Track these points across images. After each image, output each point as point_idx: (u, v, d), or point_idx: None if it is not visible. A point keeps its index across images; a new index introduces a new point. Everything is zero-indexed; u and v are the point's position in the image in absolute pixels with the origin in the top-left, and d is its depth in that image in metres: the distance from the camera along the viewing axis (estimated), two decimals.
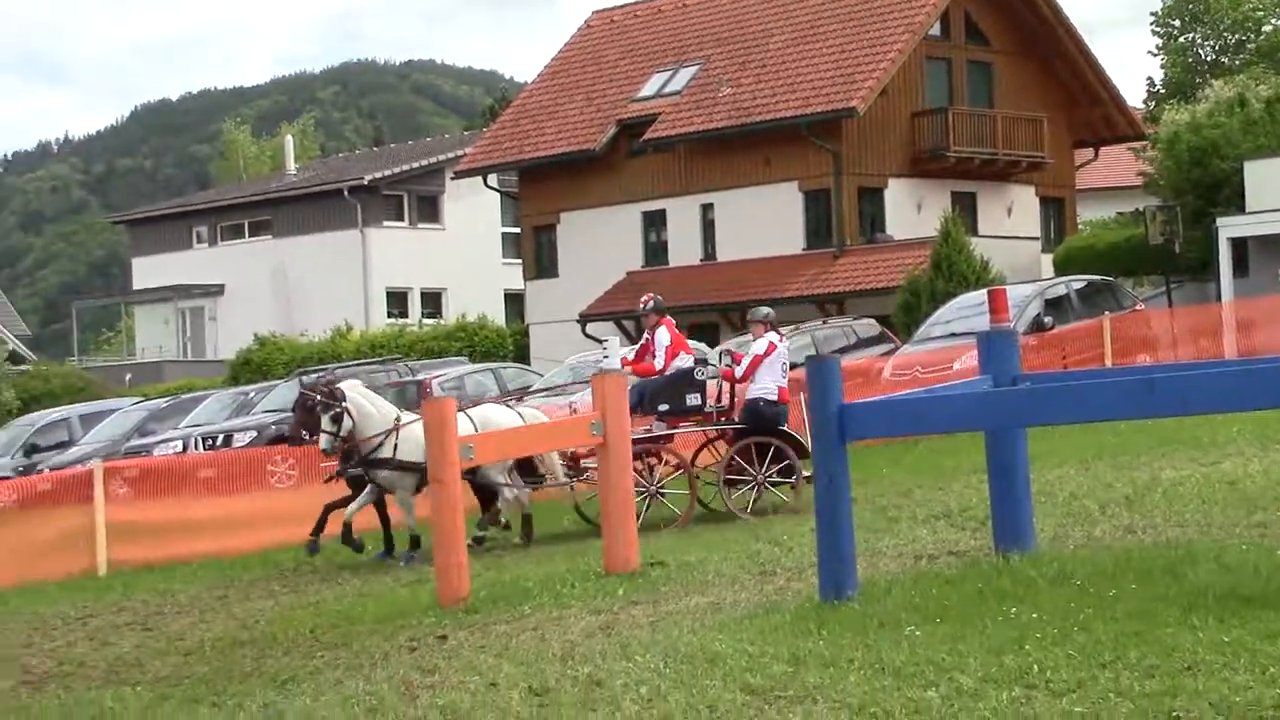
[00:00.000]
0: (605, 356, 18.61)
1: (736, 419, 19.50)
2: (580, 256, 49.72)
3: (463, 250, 62.03)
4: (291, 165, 74.14)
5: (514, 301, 58.98)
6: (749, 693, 9.10)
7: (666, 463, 19.63)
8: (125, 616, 16.76)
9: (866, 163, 45.04)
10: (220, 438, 32.86)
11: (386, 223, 62.34)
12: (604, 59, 52.47)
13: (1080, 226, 50.49)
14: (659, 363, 19.48)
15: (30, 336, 78.58)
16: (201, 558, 21.66)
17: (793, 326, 32.31)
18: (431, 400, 15.32)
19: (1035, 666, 8.78)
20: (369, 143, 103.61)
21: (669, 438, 19.54)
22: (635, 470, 18.07)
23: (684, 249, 47.99)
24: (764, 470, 19.09)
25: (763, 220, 45.52)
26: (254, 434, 32.69)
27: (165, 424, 36.14)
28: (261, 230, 65.76)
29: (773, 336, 19.63)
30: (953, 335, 27.83)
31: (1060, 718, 8.00)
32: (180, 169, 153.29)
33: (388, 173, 62.68)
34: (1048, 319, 28.71)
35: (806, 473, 18.10)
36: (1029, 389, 12.34)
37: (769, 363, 19.38)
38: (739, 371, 19.58)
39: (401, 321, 57.69)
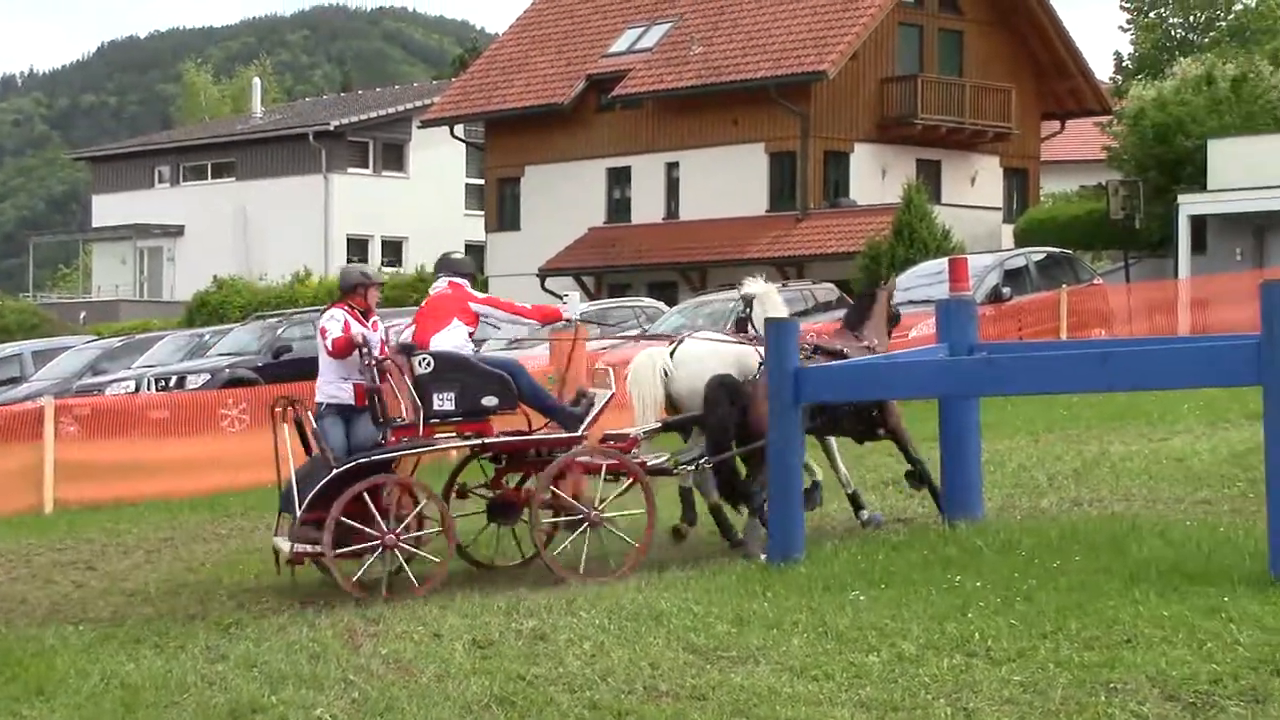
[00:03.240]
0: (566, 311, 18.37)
1: None
2: (543, 210, 49.58)
3: (426, 200, 61.74)
4: (258, 108, 73.70)
5: (475, 253, 58.74)
6: (692, 651, 9.15)
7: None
8: (69, 555, 16.65)
9: (834, 127, 44.98)
10: (174, 379, 32.70)
11: (351, 169, 62.05)
12: (576, 13, 52.22)
13: (1043, 198, 50.54)
14: None
15: None
16: (149, 499, 21.53)
17: None
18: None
19: (977, 634, 8.84)
20: (337, 88, 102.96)
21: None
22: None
23: (647, 207, 47.88)
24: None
25: (727, 181, 45.44)
26: (208, 377, 32.53)
27: (119, 363, 35.87)
28: (224, 172, 65.38)
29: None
30: (911, 303, 27.84)
31: (999, 685, 8.06)
32: (145, 107, 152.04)
33: (354, 119, 62.36)
34: (1006, 290, 28.74)
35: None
36: (988, 359, 12.39)
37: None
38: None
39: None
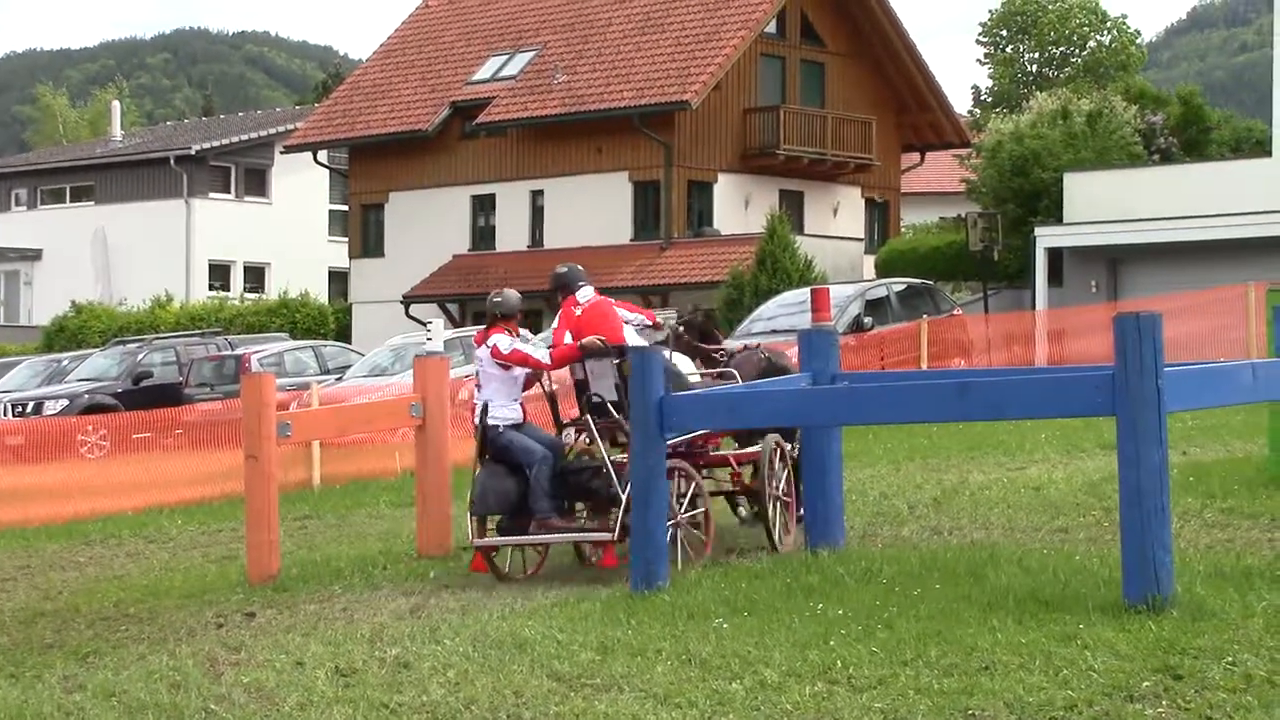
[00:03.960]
0: (429, 339, 18.42)
1: None
2: (407, 237, 49.42)
3: (288, 226, 61.32)
4: (117, 131, 72.82)
5: (338, 280, 58.49)
6: (556, 679, 9.16)
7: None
8: None
9: (697, 156, 45.27)
10: (31, 405, 32.26)
11: (212, 194, 61.48)
12: (441, 39, 52.21)
13: (903, 229, 51.21)
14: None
15: None
16: (4, 527, 21.21)
17: None
18: (251, 375, 15.16)
19: (839, 662, 8.92)
20: (199, 112, 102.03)
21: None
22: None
23: (512, 234, 47.88)
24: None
25: (592, 209, 45.58)
26: (66, 403, 32.13)
27: None
28: (83, 196, 64.53)
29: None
30: (774, 332, 28.08)
31: (860, 713, 8.14)
32: (1, 130, 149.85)
33: (216, 144, 61.81)
34: (868, 319, 29.07)
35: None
36: (848, 388, 12.53)
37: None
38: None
39: (223, 295, 56.97)
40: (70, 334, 50.04)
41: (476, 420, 13.66)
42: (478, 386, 13.82)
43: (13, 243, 64.64)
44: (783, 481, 13.83)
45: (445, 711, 8.71)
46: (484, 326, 14.03)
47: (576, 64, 47.24)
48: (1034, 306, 36.39)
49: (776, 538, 13.35)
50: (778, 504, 13.65)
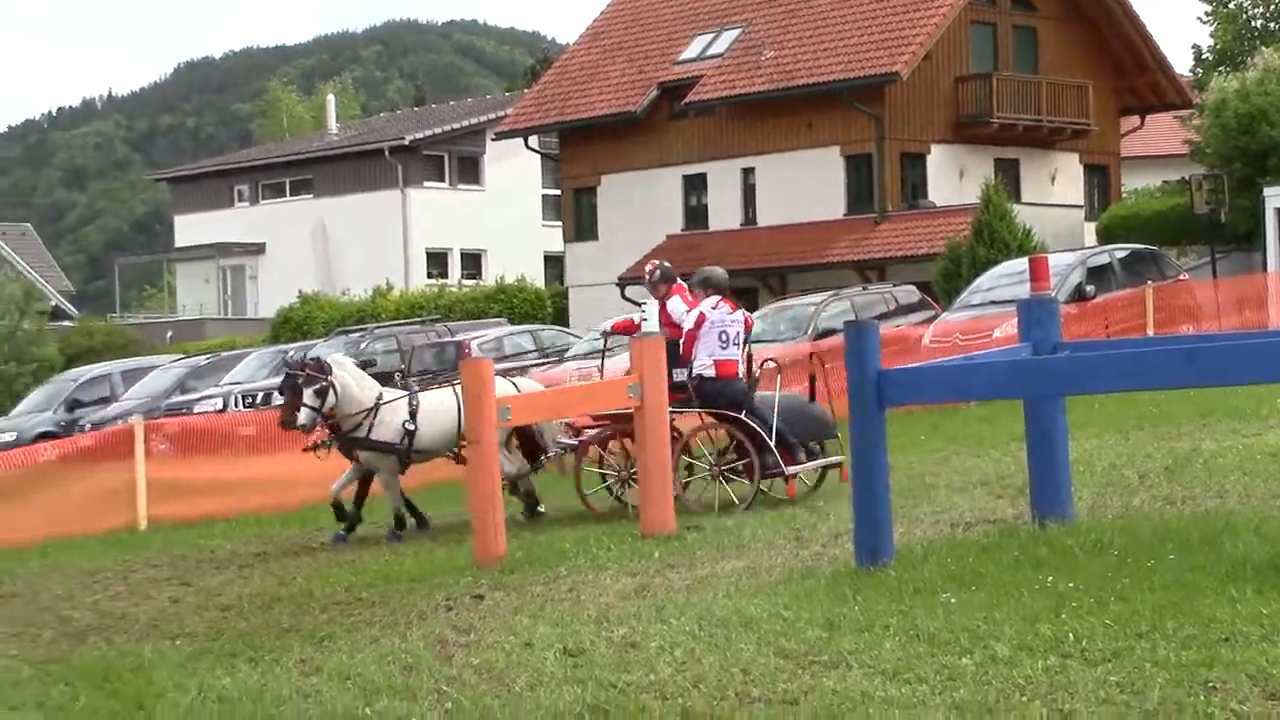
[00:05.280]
0: (644, 320, 18.45)
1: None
2: (620, 219, 49.66)
3: (503, 212, 62.03)
4: (333, 125, 74.21)
5: (553, 264, 59.00)
6: (783, 656, 9.12)
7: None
8: (165, 571, 16.85)
9: (909, 128, 44.84)
10: (260, 395, 32.98)
11: (427, 183, 62.40)
12: (646, 21, 52.31)
13: (1124, 195, 50.19)
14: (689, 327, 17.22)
15: (73, 293, 78.99)
16: (240, 515, 21.75)
17: (832, 292, 32.26)
18: (470, 361, 15.35)
19: (1071, 635, 8.76)
20: (410, 103, 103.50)
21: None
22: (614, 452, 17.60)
23: (724, 213, 47.87)
24: (721, 461, 16.81)
25: (804, 185, 45.39)
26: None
27: (205, 381, 36.29)
28: (302, 189, 65.89)
29: (706, 304, 17.41)
30: (993, 303, 27.73)
31: (1095, 687, 7.98)
32: (223, 127, 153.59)
33: (429, 133, 62.71)
34: (1089, 288, 28.56)
35: (795, 468, 16.51)
36: (1068, 357, 12.29)
37: (702, 335, 17.12)
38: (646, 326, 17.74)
39: (441, 282, 57.76)
40: (295, 325, 51.10)
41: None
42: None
43: (237, 238, 66.22)
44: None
45: (673, 690, 8.70)
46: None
47: (783, 39, 47.03)
48: (1265, 269, 35.43)
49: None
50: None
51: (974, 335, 26.06)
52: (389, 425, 17.54)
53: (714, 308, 17.28)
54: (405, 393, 17.95)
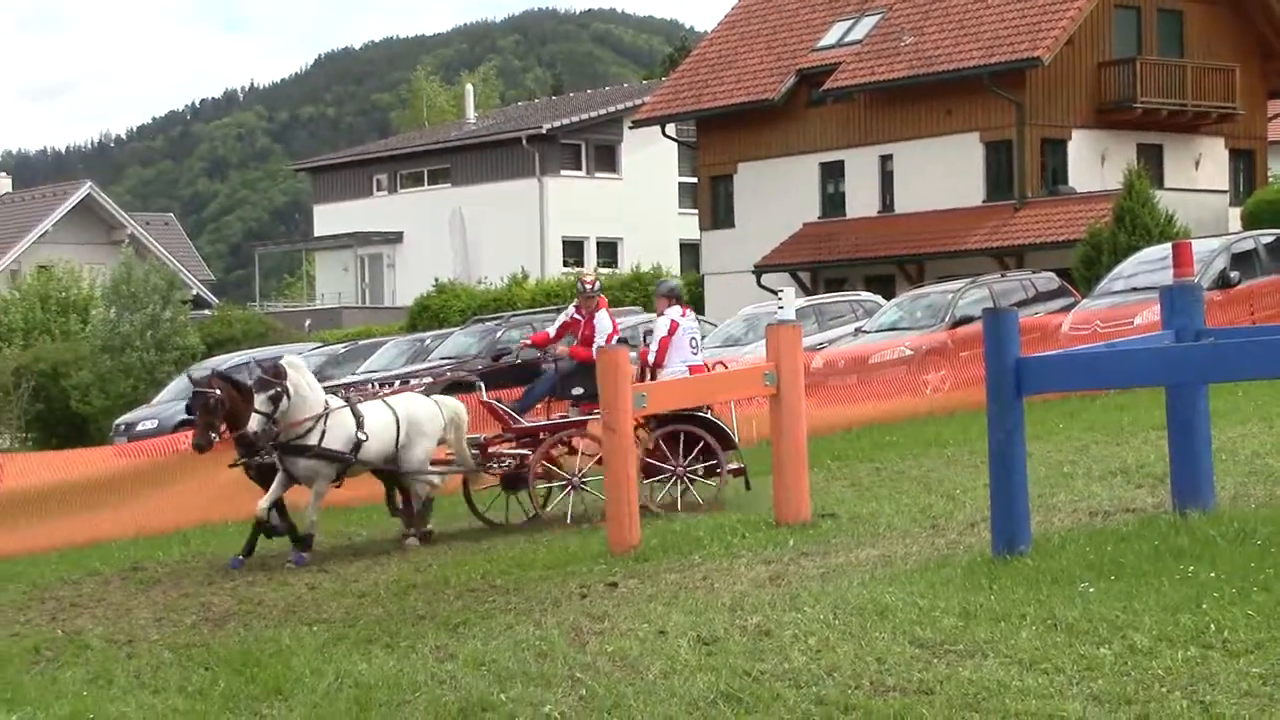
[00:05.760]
0: (780, 308, 18.48)
1: None
2: (757, 207, 49.55)
3: (639, 200, 62.12)
4: (471, 114, 74.68)
5: (689, 251, 59.00)
6: (918, 645, 9.08)
7: (583, 453, 17.64)
8: None
9: (1050, 113, 44.32)
10: (396, 384, 33.25)
11: (564, 172, 62.61)
12: (784, 8, 52.09)
13: (1271, 179, 49.27)
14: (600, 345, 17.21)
15: (214, 282, 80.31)
16: (377, 502, 21.91)
17: (970, 279, 32.00)
18: (605, 348, 15.35)
19: (1212, 626, 8.64)
20: (548, 92, 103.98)
21: (583, 424, 17.65)
22: (549, 459, 17.44)
23: (861, 200, 47.62)
24: (685, 462, 17.14)
25: (942, 172, 45.03)
26: (429, 380, 33.05)
27: (343, 369, 36.64)
28: (440, 178, 66.36)
29: (674, 313, 17.86)
30: (1134, 290, 27.36)
31: (1237, 678, 7.86)
32: (362, 117, 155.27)
33: (566, 122, 62.89)
34: (1234, 274, 28.07)
35: (733, 465, 17.40)
36: (1211, 344, 12.10)
37: (675, 342, 17.65)
38: (651, 356, 17.86)
39: (577, 270, 57.98)
40: (432, 314, 51.47)
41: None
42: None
43: (375, 227, 66.84)
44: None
45: (808, 678, 8.70)
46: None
47: (923, 24, 46.66)
48: None
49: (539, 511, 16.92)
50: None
51: (1114, 323, 25.71)
52: (338, 434, 16.74)
53: (682, 315, 17.98)
54: (344, 401, 17.22)
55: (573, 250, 62.34)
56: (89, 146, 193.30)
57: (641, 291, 49.32)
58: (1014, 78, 43.65)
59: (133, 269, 47.71)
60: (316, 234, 71.85)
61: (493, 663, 9.90)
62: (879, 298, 35.84)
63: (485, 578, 13.75)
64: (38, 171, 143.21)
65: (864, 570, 11.62)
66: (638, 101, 59.58)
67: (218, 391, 16.69)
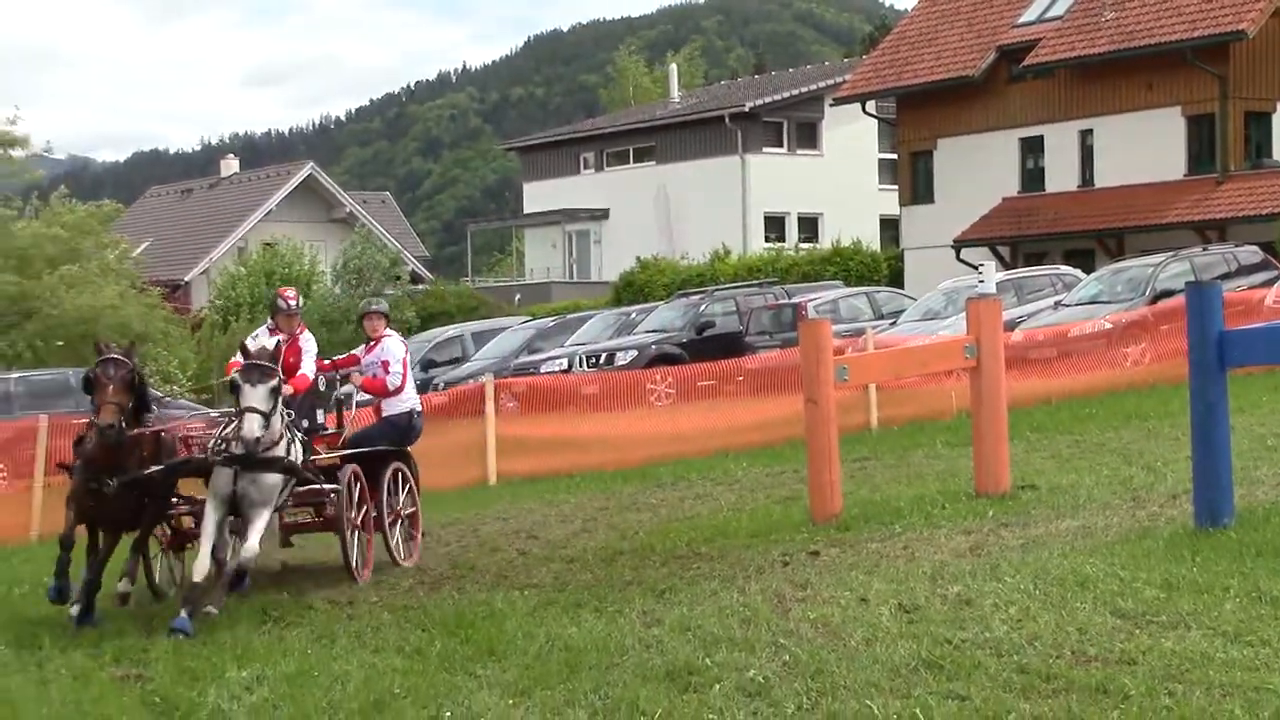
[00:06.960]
0: (981, 281, 18.42)
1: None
2: (956, 182, 49.22)
3: (840, 176, 61.98)
4: (675, 93, 74.94)
5: (889, 226, 58.76)
6: (1119, 616, 9.10)
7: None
8: (513, 525, 17.45)
9: (1254, 86, 43.43)
10: (603, 356, 33.67)
11: (766, 149, 62.63)
12: None
13: None
14: (309, 372, 14.58)
15: (428, 258, 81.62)
16: (584, 471, 22.28)
17: (1171, 253, 31.62)
18: (808, 322, 15.52)
19: None
20: (750, 71, 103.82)
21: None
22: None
23: (1061, 175, 47.09)
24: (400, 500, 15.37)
25: (1142, 146, 44.35)
26: (634, 353, 33.42)
27: (552, 343, 37.16)
28: (645, 156, 66.71)
29: (398, 339, 15.82)
30: None
31: None
32: (569, 97, 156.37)
33: (768, 100, 62.90)
34: None
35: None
36: None
37: (408, 370, 15.60)
38: (393, 381, 15.27)
39: (778, 246, 57.99)
40: (637, 288, 51.85)
41: None
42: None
43: (583, 204, 67.43)
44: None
45: (1008, 647, 8.75)
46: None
47: (1124, 0, 45.95)
48: None
49: (355, 566, 14.13)
50: (357, 532, 14.31)
51: None
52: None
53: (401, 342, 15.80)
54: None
55: (774, 226, 62.37)
56: (310, 128, 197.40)
57: (842, 265, 49.35)
58: (1217, 51, 42.84)
59: (365, 248, 48.88)
60: (526, 211, 72.63)
61: (698, 628, 10.03)
62: (1078, 271, 35.53)
63: (690, 545, 13.93)
64: (263, 153, 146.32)
65: (1064, 541, 11.65)
66: (839, 79, 59.45)
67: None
